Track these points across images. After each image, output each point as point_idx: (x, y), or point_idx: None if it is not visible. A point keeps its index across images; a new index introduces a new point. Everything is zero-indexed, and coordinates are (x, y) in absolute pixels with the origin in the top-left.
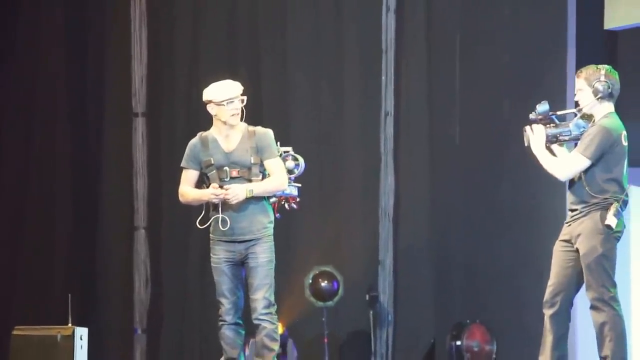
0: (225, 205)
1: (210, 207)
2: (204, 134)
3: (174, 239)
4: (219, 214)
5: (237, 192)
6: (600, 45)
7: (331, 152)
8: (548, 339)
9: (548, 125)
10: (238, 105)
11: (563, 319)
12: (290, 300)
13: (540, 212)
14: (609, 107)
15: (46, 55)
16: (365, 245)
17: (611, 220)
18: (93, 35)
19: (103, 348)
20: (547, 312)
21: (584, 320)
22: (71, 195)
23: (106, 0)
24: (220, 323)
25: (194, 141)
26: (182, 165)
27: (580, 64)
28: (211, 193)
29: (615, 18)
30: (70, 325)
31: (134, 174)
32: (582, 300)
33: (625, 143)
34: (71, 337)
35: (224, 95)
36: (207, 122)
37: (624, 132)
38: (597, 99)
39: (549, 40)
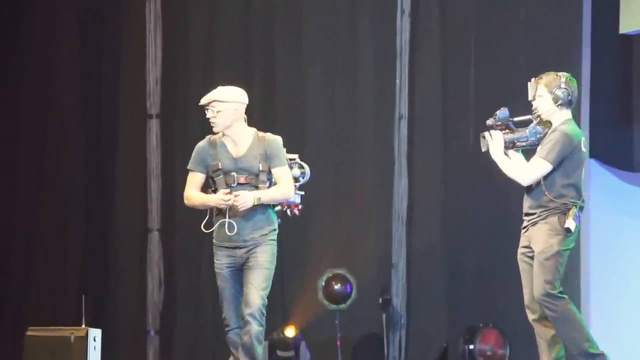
0: (231, 210)
1: (214, 212)
2: (213, 137)
3: (187, 241)
4: (225, 218)
5: (246, 199)
6: (616, 50)
7: (345, 155)
8: (540, 343)
9: (505, 131)
10: (210, 114)
11: (548, 321)
12: (303, 302)
13: None
14: (567, 113)
15: (61, 56)
16: (378, 248)
17: (570, 223)
18: (108, 36)
19: (116, 349)
20: (530, 317)
21: (597, 323)
22: (85, 196)
23: (121, 2)
24: (226, 328)
25: (202, 144)
26: (188, 167)
27: (595, 68)
28: (220, 199)
29: (630, 22)
30: (83, 326)
31: (147, 175)
32: (595, 305)
33: (584, 149)
34: (85, 338)
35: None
36: None
37: (583, 138)
38: (558, 105)
39: (564, 43)
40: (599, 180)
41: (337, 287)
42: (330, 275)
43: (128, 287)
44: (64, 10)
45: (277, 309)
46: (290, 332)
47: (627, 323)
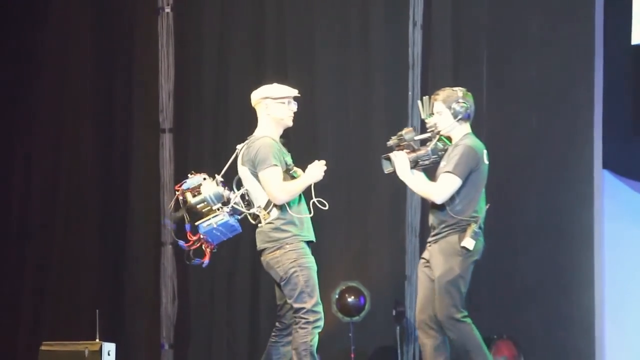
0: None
1: (294, 202)
2: (272, 136)
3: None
4: (312, 197)
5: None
6: (628, 61)
7: (358, 167)
8: (425, 348)
9: (407, 151)
10: (294, 107)
11: (436, 329)
12: None
13: (567, 226)
14: (467, 127)
15: (73, 71)
16: (392, 261)
17: (468, 242)
18: (120, 51)
19: None
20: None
21: (612, 335)
22: (99, 210)
23: (133, 15)
24: (319, 319)
25: (272, 141)
26: (274, 163)
27: (607, 80)
28: (321, 165)
29: None
30: (97, 340)
31: (161, 190)
32: (609, 316)
33: (486, 162)
34: (99, 353)
35: (283, 93)
36: (235, 138)
37: (486, 151)
38: (457, 120)
39: (576, 55)
40: (612, 192)
41: (350, 299)
42: (344, 287)
43: (142, 301)
44: (77, 25)
45: None
46: None
47: None
